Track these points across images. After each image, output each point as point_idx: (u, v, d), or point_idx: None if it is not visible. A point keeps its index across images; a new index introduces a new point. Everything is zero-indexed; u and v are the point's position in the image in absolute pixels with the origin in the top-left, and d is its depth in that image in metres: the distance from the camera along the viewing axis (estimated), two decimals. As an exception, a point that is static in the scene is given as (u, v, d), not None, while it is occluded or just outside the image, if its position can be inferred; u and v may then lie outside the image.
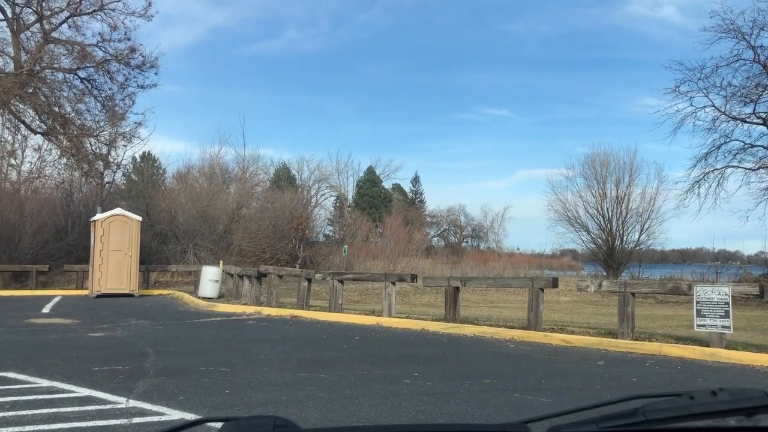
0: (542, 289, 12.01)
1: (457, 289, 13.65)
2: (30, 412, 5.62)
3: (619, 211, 37.48)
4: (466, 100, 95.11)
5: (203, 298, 18.77)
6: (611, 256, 37.13)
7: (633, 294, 11.11)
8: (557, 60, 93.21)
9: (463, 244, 66.10)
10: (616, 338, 10.60)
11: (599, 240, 38.42)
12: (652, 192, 37.09)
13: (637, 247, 37.85)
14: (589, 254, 41.60)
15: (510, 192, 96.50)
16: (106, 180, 30.08)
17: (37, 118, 24.09)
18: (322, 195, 54.39)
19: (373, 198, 60.55)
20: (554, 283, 12.62)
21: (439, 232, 67.12)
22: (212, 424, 1.42)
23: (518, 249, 59.65)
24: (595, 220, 38.39)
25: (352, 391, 6.64)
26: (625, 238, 37.62)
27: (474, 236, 69.04)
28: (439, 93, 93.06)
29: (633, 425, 1.11)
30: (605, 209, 37.87)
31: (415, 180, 69.35)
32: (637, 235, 37.57)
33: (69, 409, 5.73)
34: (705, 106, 25.36)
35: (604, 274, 35.76)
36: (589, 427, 1.12)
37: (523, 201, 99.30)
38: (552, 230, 52.82)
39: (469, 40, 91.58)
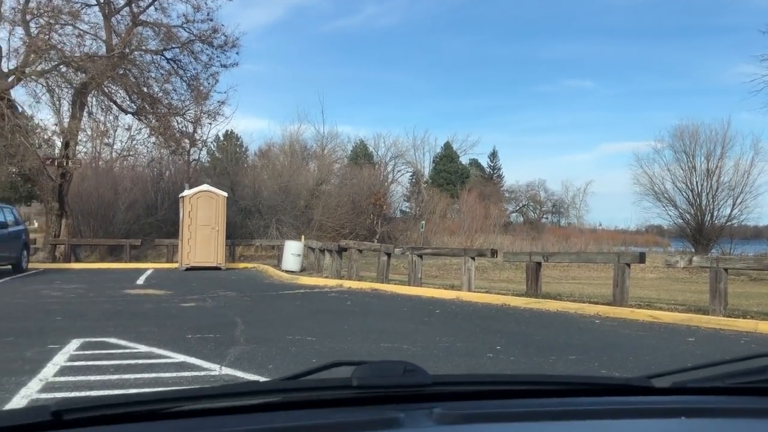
0: (628, 265, 11.69)
1: (538, 264, 13.46)
2: (132, 376, 5.95)
3: (709, 184, 35.87)
4: (547, 72, 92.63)
5: (286, 272, 19.26)
6: (700, 232, 35.63)
7: (726, 270, 10.65)
8: (644, 28, 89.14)
9: (543, 220, 64.84)
10: (707, 315, 10.21)
11: (687, 215, 36.94)
12: (747, 164, 35.30)
13: (728, 223, 36.16)
14: (676, 230, 40.10)
15: (593, 166, 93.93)
16: (192, 158, 31.17)
17: (127, 98, 25.15)
18: (398, 171, 54.55)
19: (450, 174, 60.07)
20: (641, 258, 12.26)
21: (518, 207, 66.05)
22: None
23: (600, 225, 58.18)
24: (684, 194, 36.91)
25: (435, 364, 6.68)
26: (715, 213, 36.03)
27: (554, 212, 67.58)
28: (518, 65, 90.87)
29: (762, 382, 1.07)
30: (694, 183, 36.33)
31: (493, 155, 68.25)
32: (728, 210, 35.93)
33: (167, 375, 6.02)
34: (806, 72, 23.76)
35: (692, 250, 34.37)
36: (715, 383, 1.10)
37: (607, 175, 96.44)
38: (637, 205, 51.27)
39: (550, 9, 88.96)
